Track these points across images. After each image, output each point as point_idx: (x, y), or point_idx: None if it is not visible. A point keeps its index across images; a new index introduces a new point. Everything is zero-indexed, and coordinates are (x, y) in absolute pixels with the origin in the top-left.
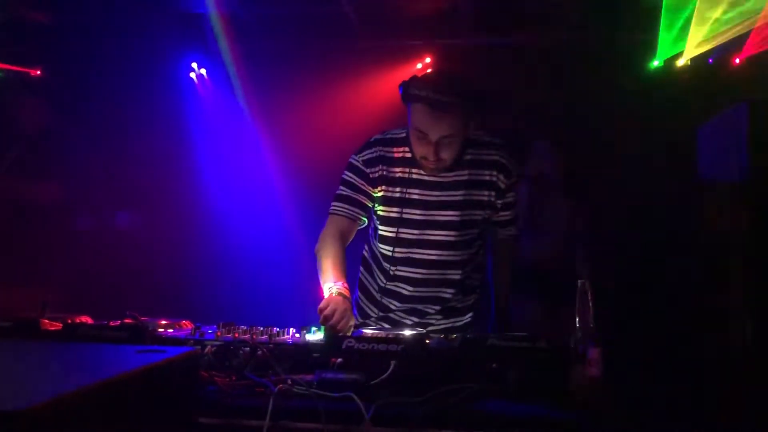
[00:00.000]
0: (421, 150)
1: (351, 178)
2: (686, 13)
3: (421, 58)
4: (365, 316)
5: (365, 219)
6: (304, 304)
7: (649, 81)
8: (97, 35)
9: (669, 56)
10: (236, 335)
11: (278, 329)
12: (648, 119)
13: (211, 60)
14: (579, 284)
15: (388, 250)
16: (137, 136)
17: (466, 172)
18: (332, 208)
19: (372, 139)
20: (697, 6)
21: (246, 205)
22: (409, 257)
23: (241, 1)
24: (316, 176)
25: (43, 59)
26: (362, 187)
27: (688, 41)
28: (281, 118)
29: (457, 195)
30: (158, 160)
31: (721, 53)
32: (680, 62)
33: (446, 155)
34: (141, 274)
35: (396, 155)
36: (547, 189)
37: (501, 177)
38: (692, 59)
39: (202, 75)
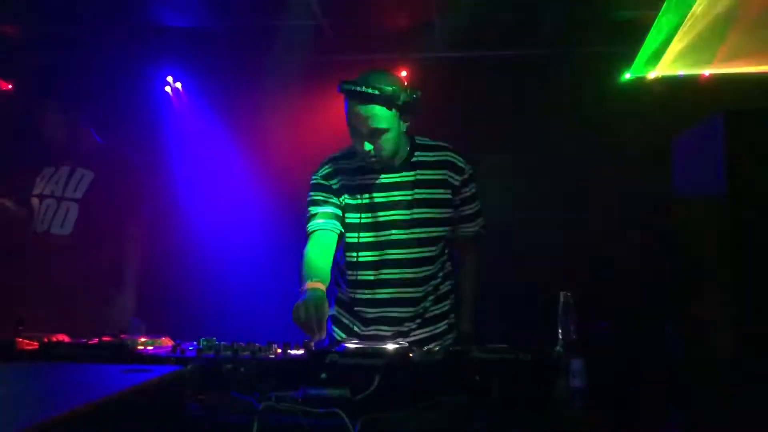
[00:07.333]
0: (358, 145)
1: (316, 194)
2: (670, 30)
3: (396, 72)
4: (345, 328)
5: (342, 228)
6: (285, 317)
7: (620, 93)
8: (70, 49)
9: (644, 70)
10: (218, 352)
11: (260, 345)
12: (621, 131)
13: (186, 73)
14: (561, 295)
15: (352, 257)
16: None
17: (413, 172)
18: (307, 228)
19: (326, 158)
20: (685, 23)
21: (222, 218)
22: (370, 261)
23: (216, 14)
24: (292, 188)
25: (14, 73)
26: (329, 199)
27: (666, 56)
28: (258, 131)
29: (405, 195)
30: None
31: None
32: (652, 75)
33: (383, 147)
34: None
35: (350, 166)
36: None
37: (453, 175)
38: (663, 71)
39: (177, 88)
